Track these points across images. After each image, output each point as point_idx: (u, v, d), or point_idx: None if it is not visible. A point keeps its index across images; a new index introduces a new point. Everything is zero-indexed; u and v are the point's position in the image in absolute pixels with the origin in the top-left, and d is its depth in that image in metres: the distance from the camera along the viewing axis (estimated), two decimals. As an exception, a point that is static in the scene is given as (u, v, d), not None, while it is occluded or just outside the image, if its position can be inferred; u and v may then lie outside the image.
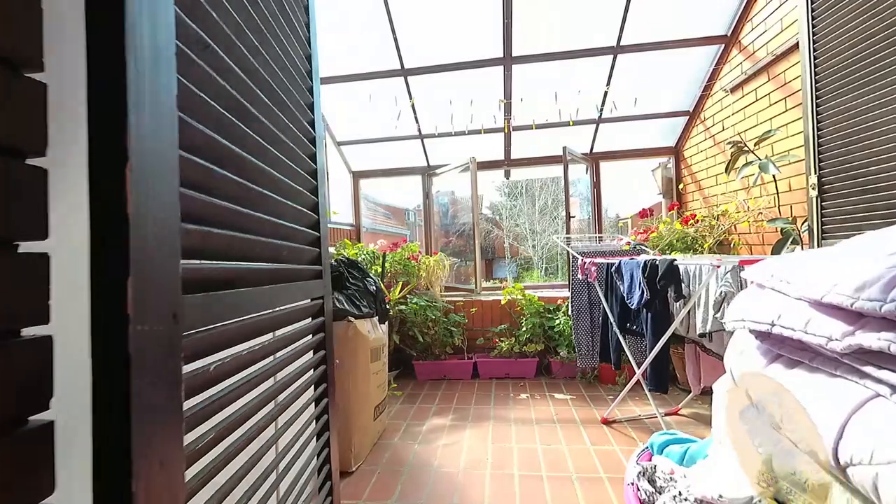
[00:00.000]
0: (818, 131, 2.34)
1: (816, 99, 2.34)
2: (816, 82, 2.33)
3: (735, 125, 3.45)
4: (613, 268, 2.38)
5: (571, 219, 3.96)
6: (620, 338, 2.61)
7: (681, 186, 4.03)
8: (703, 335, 2.04)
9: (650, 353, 2.24)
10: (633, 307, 2.19)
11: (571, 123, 3.89)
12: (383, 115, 3.95)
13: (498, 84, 3.90)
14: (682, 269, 2.06)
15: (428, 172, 4.90)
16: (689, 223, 3.44)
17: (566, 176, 3.95)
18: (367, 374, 2.37)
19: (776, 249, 2.65)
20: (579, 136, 4.48)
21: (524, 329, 3.74)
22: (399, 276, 4.07)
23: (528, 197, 20.80)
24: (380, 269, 3.92)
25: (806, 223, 2.53)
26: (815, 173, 2.37)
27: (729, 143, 2.94)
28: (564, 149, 3.96)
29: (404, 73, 3.79)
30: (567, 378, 3.65)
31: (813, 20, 2.34)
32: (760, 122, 3.10)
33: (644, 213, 4.33)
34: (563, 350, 3.61)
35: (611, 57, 3.66)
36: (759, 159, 2.78)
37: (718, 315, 1.89)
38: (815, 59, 2.34)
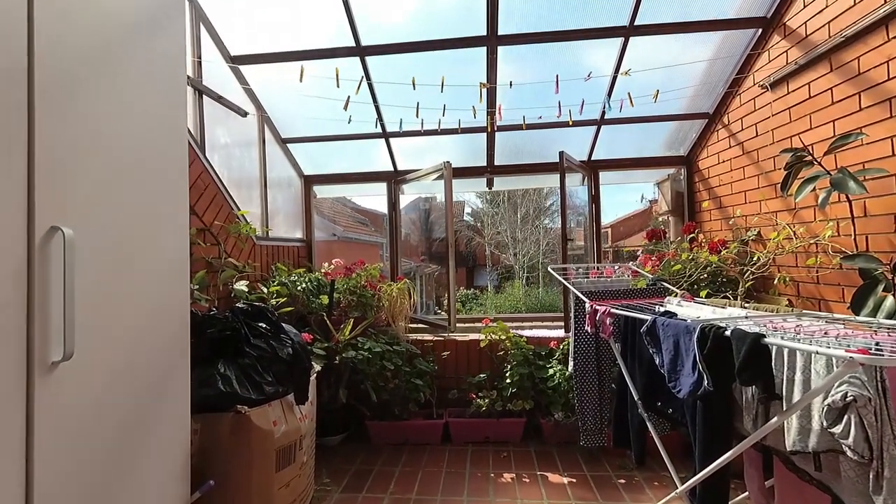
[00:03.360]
0: (939, 136, 1.63)
1: (936, 89, 1.64)
2: None
3: (774, 129, 2.75)
4: (644, 328, 1.61)
5: (570, 241, 3.20)
6: (646, 418, 1.83)
7: (705, 204, 3.31)
8: (795, 452, 1.29)
9: (700, 462, 1.47)
10: (680, 395, 1.42)
11: (571, 123, 3.14)
12: (338, 106, 3.12)
13: (479, 71, 3.12)
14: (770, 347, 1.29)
15: (395, 179, 4.08)
16: (725, 253, 2.71)
17: (563, 187, 3.19)
18: (270, 490, 1.52)
19: (860, 300, 1.92)
20: (575, 142, 3.74)
21: (508, 381, 2.93)
22: (352, 310, 3.21)
23: (511, 205, 20.18)
24: (326, 301, 3.06)
25: (904, 264, 1.81)
26: (933, 196, 1.65)
27: (787, 150, 2.21)
28: (562, 154, 3.20)
29: (360, 51, 2.97)
30: (562, 445, 2.86)
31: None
32: (815, 126, 2.40)
33: (651, 235, 3.60)
34: (559, 411, 2.82)
35: (621, 40, 2.92)
36: (828, 173, 2.06)
37: (836, 430, 1.13)
38: None
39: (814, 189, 2.15)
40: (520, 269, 19.99)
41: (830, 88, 2.31)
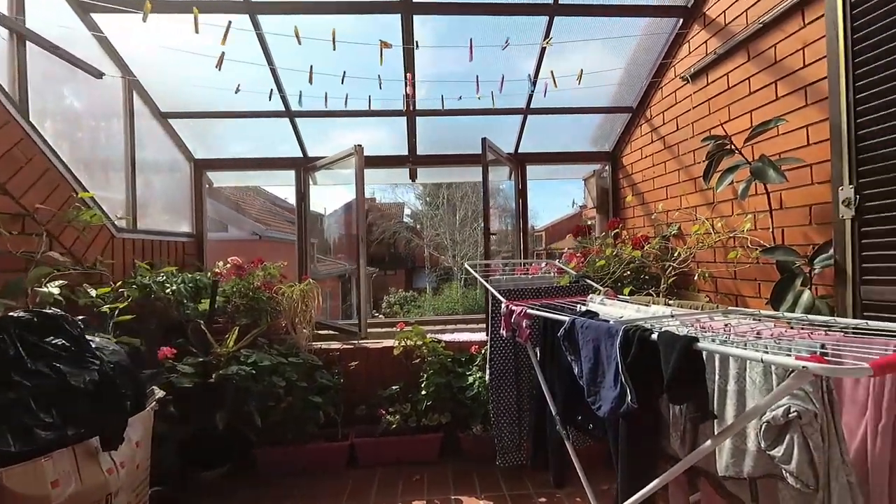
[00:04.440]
0: (857, 118, 1.54)
1: (855, 71, 1.55)
2: (856, 52, 1.55)
3: (694, 122, 2.69)
4: (562, 331, 1.35)
5: (492, 235, 2.95)
6: (565, 437, 1.58)
7: (628, 199, 3.21)
8: (728, 478, 1.08)
9: (622, 488, 1.23)
10: (601, 412, 1.17)
11: (494, 107, 2.89)
12: (230, 80, 2.60)
13: (394, 44, 2.77)
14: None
15: (305, 166, 3.60)
16: (647, 248, 2.58)
17: (485, 178, 2.93)
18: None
19: (779, 294, 1.82)
20: (501, 132, 3.52)
21: (424, 393, 2.60)
22: (241, 316, 2.71)
23: (450, 207, 20.08)
24: (208, 307, 2.54)
25: (821, 256, 1.73)
26: (852, 184, 1.56)
27: (709, 138, 2.10)
28: (484, 141, 2.94)
29: (248, 7, 2.50)
30: (483, 461, 2.57)
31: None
32: (734, 118, 2.34)
33: (577, 231, 3.47)
34: (478, 423, 2.54)
35: (545, 19, 2.72)
36: (748, 162, 1.97)
37: (777, 453, 0.92)
38: (856, 14, 1.55)
39: (731, 182, 2.07)
40: (458, 270, 19.95)
41: (748, 78, 2.24)
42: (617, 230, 3.03)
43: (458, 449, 2.66)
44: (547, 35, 2.72)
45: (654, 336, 1.00)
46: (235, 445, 2.45)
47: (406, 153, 3.62)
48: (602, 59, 3.07)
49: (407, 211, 24.05)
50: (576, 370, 1.30)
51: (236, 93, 2.62)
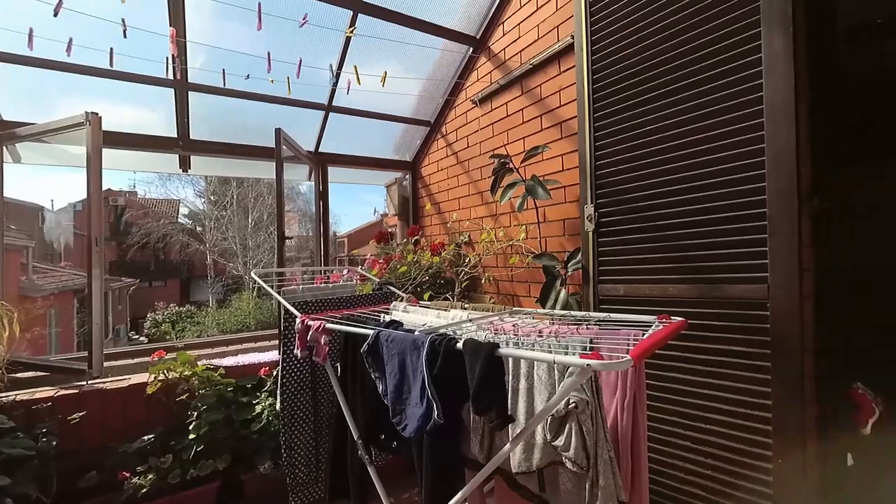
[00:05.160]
0: (596, 152, 1.94)
1: (594, 114, 1.94)
2: (594, 101, 1.94)
3: (482, 142, 3.01)
4: (365, 346, 1.21)
5: (287, 241, 2.60)
6: (367, 461, 1.44)
7: (427, 207, 3.35)
8: (520, 473, 1.14)
9: (427, 493, 1.17)
10: (406, 433, 1.07)
11: (289, 94, 2.57)
12: None
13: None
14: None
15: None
16: (444, 254, 2.71)
17: (279, 175, 2.57)
18: None
19: (546, 294, 2.14)
20: (300, 126, 3.20)
21: (194, 436, 2.06)
22: None
23: (241, 208, 17.69)
24: None
25: (573, 261, 2.11)
26: (593, 203, 1.95)
27: (494, 156, 2.34)
28: (279, 133, 2.59)
29: None
30: (273, 501, 2.20)
31: (592, 25, 1.95)
32: (512, 141, 2.70)
33: (379, 237, 3.44)
34: (267, 460, 2.16)
35: (350, 13, 2.58)
36: (524, 180, 2.27)
37: (559, 443, 1.00)
38: (595, 71, 1.95)
39: (510, 198, 2.36)
40: (251, 279, 17.72)
41: (522, 109, 2.62)
42: (417, 237, 3.12)
43: (242, 494, 2.21)
44: (351, 24, 2.58)
45: (460, 345, 0.96)
46: None
47: (175, 135, 2.89)
48: (406, 70, 3.14)
49: (184, 210, 20.08)
50: (380, 388, 1.18)
51: None
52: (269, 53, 2.34)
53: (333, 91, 2.97)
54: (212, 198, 18.22)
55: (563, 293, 2.12)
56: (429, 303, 2.01)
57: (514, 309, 1.63)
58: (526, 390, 1.11)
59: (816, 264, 1.33)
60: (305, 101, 3.00)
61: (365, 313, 1.71)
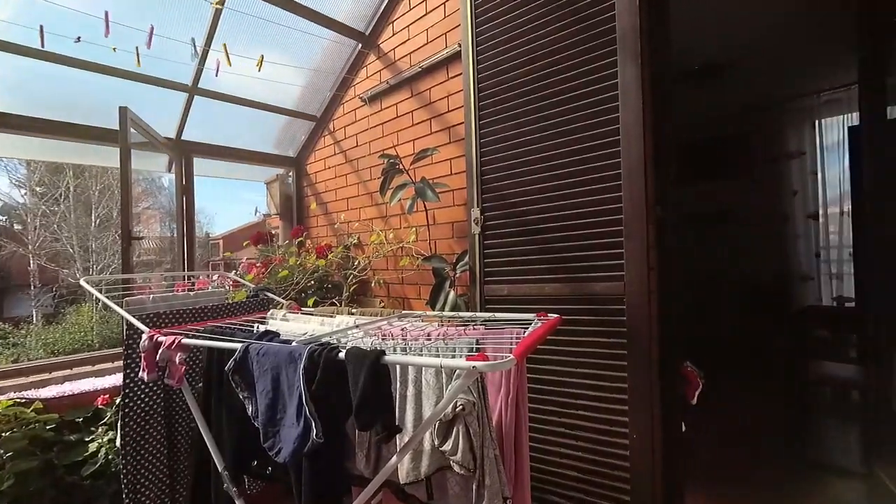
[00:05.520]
0: (482, 157, 2.01)
1: (480, 121, 2.01)
2: (480, 108, 2.01)
3: (371, 142, 2.93)
4: (231, 364, 1.05)
5: (136, 240, 2.19)
6: (236, 497, 1.26)
7: (313, 207, 3.13)
8: (409, 483, 1.09)
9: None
10: (280, 457, 0.95)
11: (139, 65, 2.17)
12: None
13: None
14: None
15: None
16: (331, 256, 2.55)
17: (125, 162, 2.15)
18: None
19: (435, 295, 2.15)
20: (158, 110, 2.74)
21: (-7, 493, 1.59)
22: None
23: (81, 203, 14.59)
24: None
25: (461, 263, 2.16)
26: (479, 207, 2.02)
27: (384, 156, 2.28)
28: (124, 113, 2.16)
29: None
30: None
31: (478, 37, 2.01)
32: (402, 143, 2.67)
33: (258, 239, 3.13)
34: (106, 508, 1.78)
35: (218, -15, 2.28)
36: (413, 182, 2.26)
37: (447, 447, 0.99)
38: (480, 80, 2.01)
39: (399, 200, 2.33)
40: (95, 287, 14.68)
41: (412, 111, 2.61)
42: (301, 238, 2.90)
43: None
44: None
45: (342, 355, 0.89)
46: None
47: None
48: (289, 59, 2.91)
49: (-8, 202, 15.81)
50: (250, 410, 1.04)
51: None
52: (106, 13, 1.94)
53: (200, 71, 2.61)
54: (37, 189, 14.73)
55: (451, 294, 2.15)
56: (312, 309, 1.86)
57: (404, 312, 1.60)
58: (414, 396, 1.08)
59: (658, 264, 1.55)
60: (162, 78, 2.58)
61: (235, 324, 1.50)
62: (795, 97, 4.05)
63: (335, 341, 1.12)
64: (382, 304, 2.77)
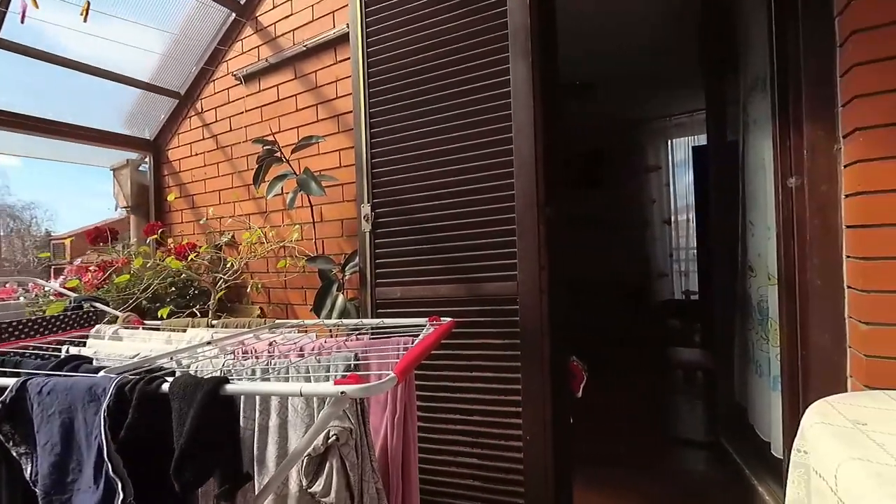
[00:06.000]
0: (372, 149, 1.84)
1: (370, 110, 1.84)
2: (371, 96, 1.84)
3: (248, 127, 2.56)
4: (1, 408, 0.73)
5: None
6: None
7: (171, 198, 2.63)
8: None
9: None
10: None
11: None
12: None
13: None
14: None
15: None
16: (191, 258, 2.14)
17: None
18: None
19: (320, 301, 1.93)
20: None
21: None
22: None
23: None
24: None
25: (351, 264, 1.97)
26: (370, 203, 1.85)
27: (259, 140, 1.97)
28: None
29: None
30: None
31: (367, 17, 1.83)
32: (284, 130, 2.37)
33: (95, 235, 2.54)
34: None
35: None
36: (295, 173, 2.00)
37: (317, 488, 0.80)
38: (371, 65, 1.83)
39: (282, 192, 2.06)
40: None
41: (296, 95, 2.34)
42: (157, 236, 2.41)
43: None
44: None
45: (165, 387, 0.66)
46: None
47: None
48: (141, 18, 2.40)
49: None
50: (28, 471, 0.74)
51: None
52: None
53: (2, 15, 2.00)
54: None
55: (340, 299, 1.95)
56: (159, 322, 1.51)
57: (277, 322, 1.36)
58: (278, 427, 0.88)
59: (549, 263, 1.56)
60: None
61: (33, 347, 1.12)
62: (653, 118, 4.65)
63: (174, 365, 0.87)
64: (258, 314, 2.43)
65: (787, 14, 1.32)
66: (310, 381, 0.80)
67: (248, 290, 2.36)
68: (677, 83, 3.70)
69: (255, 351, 1.05)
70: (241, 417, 0.87)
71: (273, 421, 0.88)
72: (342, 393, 0.60)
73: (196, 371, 0.89)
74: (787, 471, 0.93)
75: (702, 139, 4.46)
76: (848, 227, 1.18)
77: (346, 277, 1.99)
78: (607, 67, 3.38)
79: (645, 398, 3.12)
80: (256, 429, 0.88)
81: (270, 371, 0.87)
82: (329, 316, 1.91)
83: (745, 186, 1.93)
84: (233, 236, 2.58)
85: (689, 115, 4.52)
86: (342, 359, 0.85)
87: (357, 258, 1.88)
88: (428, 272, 1.70)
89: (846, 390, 1.19)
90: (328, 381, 0.67)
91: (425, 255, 1.71)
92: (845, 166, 1.18)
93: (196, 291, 2.44)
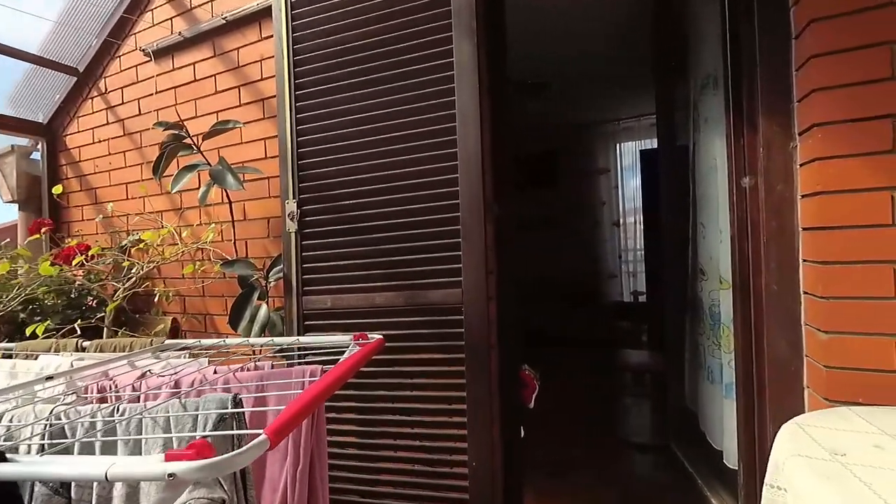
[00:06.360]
0: (299, 137, 1.60)
1: (296, 92, 1.60)
2: (297, 77, 1.60)
3: (159, 110, 2.22)
4: None
5: None
6: None
7: (56, 192, 2.22)
8: None
9: None
10: None
11: None
12: None
13: None
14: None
15: None
16: (77, 262, 1.79)
17: None
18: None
19: (238, 311, 1.66)
20: None
21: None
22: None
23: None
24: None
25: (275, 269, 1.72)
26: (295, 198, 1.60)
27: (161, 123, 1.67)
28: None
29: None
30: None
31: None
32: (201, 115, 2.07)
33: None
34: None
35: None
36: (209, 164, 1.72)
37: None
38: (296, 42, 1.59)
39: (183, 184, 1.76)
40: None
41: (215, 75, 2.04)
42: (39, 235, 2.02)
43: None
44: None
45: None
46: None
47: None
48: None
49: None
50: None
51: None
52: None
53: None
54: None
55: (263, 309, 1.69)
56: (13, 346, 1.19)
57: (167, 342, 1.10)
58: (125, 498, 0.64)
59: (497, 267, 1.41)
60: None
61: None
62: (603, 122, 4.69)
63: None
64: (162, 326, 2.10)
65: (741, 5, 1.24)
66: (147, 444, 0.57)
67: (157, 298, 2.03)
68: (628, 86, 3.71)
69: (116, 386, 0.80)
70: (71, 487, 0.63)
71: (118, 490, 0.64)
72: (170, 476, 0.39)
73: (9, 424, 0.64)
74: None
75: (648, 143, 4.57)
76: (804, 229, 1.11)
77: (271, 284, 1.74)
78: (560, 68, 3.31)
79: (595, 401, 3.07)
80: (94, 500, 0.64)
81: (116, 422, 0.64)
82: (249, 329, 1.65)
83: (696, 188, 1.88)
84: (141, 237, 2.23)
85: (636, 120, 4.60)
86: (215, 403, 0.63)
87: (282, 262, 1.63)
88: (362, 278, 1.50)
89: (803, 401, 1.12)
90: (174, 444, 0.45)
91: (359, 258, 1.50)
92: (801, 165, 1.11)
93: (94, 303, 2.07)
